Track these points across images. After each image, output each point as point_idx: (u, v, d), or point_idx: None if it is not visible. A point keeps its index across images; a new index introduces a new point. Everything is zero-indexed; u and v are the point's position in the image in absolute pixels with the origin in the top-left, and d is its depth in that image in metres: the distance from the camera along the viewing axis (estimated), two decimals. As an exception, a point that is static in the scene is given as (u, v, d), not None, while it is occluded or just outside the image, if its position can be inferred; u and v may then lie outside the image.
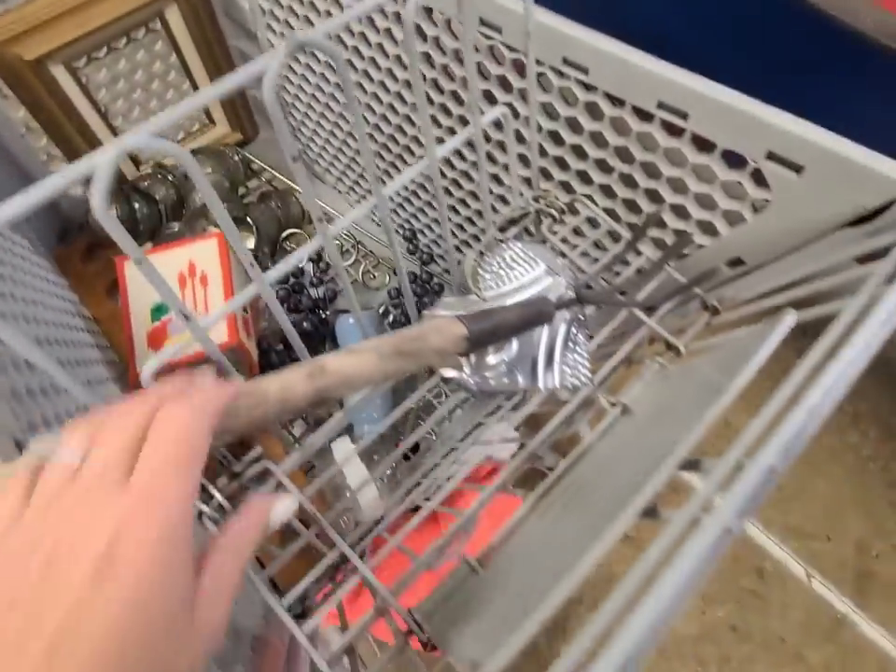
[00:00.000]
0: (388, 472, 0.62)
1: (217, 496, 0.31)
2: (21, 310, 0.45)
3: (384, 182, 0.46)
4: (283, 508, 0.25)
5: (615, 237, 0.45)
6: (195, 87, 0.72)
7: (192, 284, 0.56)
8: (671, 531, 0.20)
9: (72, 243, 0.72)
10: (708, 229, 0.42)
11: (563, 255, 0.42)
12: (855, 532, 0.93)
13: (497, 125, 0.40)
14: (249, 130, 0.81)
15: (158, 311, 0.55)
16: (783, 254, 0.39)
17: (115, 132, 0.69)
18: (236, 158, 0.74)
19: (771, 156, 0.35)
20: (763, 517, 0.95)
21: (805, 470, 0.96)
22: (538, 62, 0.42)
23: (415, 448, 0.62)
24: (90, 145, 0.66)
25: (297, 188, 0.76)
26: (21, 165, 0.66)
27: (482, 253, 0.41)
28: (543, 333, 0.38)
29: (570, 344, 0.38)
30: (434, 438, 0.65)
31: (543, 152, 0.48)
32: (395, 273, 0.68)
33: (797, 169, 0.35)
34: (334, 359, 0.31)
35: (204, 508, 0.30)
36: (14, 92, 0.58)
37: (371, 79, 0.59)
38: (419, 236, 0.74)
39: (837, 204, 0.34)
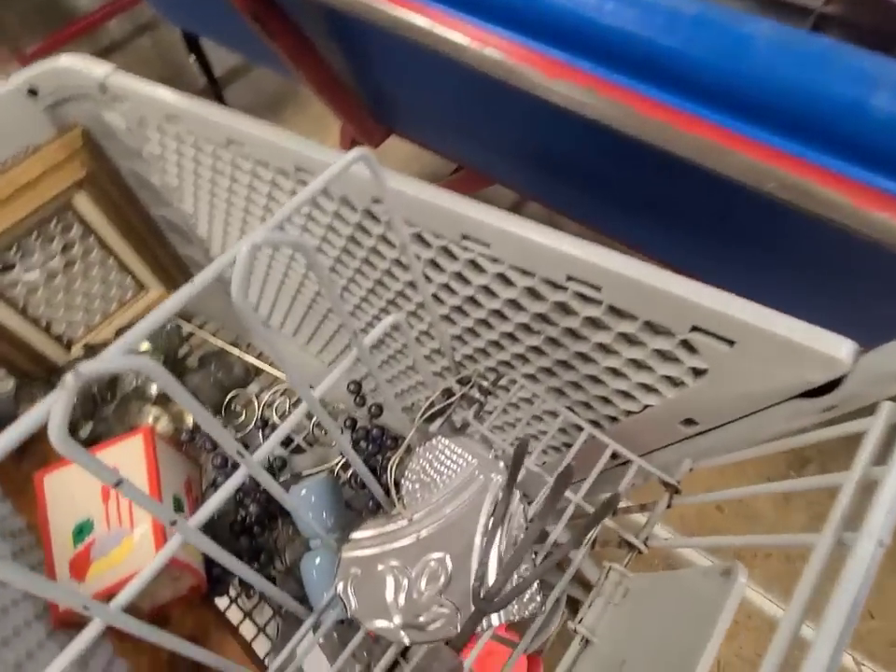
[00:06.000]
0: None
1: None
2: None
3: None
4: None
5: (552, 413, 0.40)
6: (119, 262, 0.70)
7: (116, 493, 0.51)
8: None
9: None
10: (651, 390, 0.38)
11: (491, 446, 0.37)
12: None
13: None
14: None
15: (80, 532, 0.50)
16: (737, 418, 0.34)
17: (38, 323, 0.66)
18: (169, 326, 0.71)
19: (696, 329, 0.31)
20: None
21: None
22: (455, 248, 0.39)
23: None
24: (10, 344, 0.63)
25: (230, 349, 0.73)
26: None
27: (403, 456, 0.36)
28: (475, 554, 0.33)
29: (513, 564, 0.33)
30: None
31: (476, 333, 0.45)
32: (346, 424, 0.63)
33: (729, 342, 0.31)
34: None
35: None
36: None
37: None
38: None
39: (781, 378, 0.30)
